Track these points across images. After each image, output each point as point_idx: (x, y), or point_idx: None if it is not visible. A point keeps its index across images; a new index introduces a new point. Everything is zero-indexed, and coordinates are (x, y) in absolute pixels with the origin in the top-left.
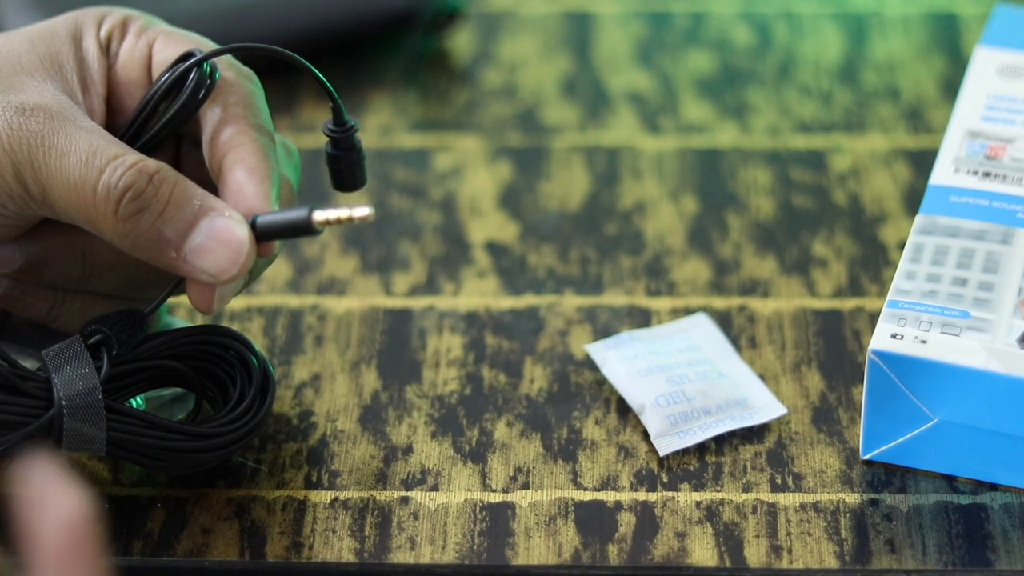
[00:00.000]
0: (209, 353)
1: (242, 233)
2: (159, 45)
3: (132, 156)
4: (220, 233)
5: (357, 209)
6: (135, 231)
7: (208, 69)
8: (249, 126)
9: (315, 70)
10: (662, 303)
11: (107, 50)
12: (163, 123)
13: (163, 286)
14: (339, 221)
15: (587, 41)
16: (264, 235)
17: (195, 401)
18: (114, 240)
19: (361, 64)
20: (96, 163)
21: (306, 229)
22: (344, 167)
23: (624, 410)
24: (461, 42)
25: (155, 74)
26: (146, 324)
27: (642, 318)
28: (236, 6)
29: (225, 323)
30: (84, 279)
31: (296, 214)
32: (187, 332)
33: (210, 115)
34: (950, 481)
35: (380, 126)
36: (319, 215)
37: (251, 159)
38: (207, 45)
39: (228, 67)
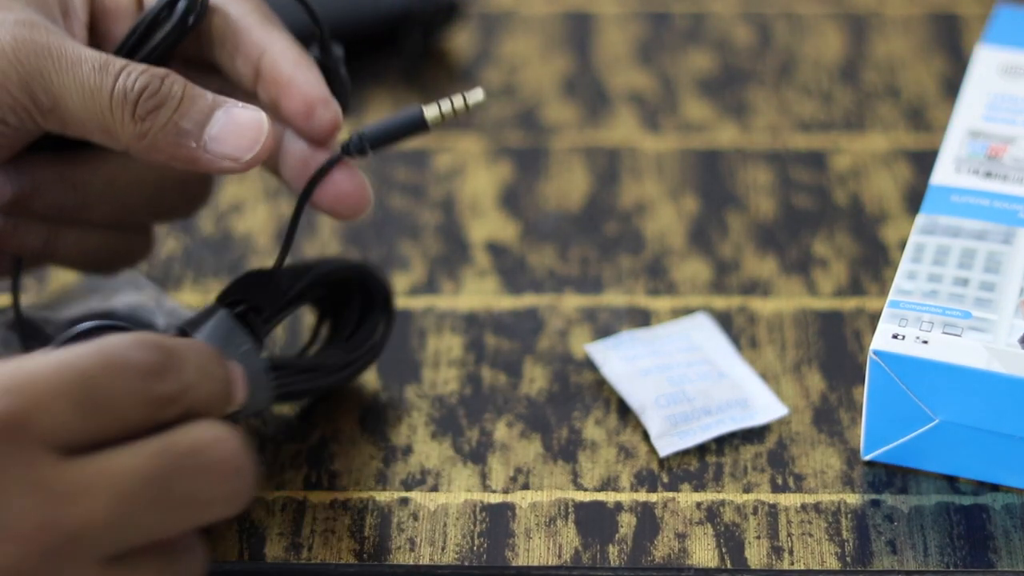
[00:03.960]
0: (336, 286)
1: (260, 115)
2: None
3: (141, 64)
4: (237, 117)
5: (471, 93)
6: (153, 128)
7: None
8: (272, 28)
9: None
10: (662, 303)
11: None
12: (152, 46)
13: (157, 212)
14: (454, 112)
15: (587, 41)
16: (377, 142)
17: (316, 328)
18: (130, 145)
19: (361, 64)
20: (111, 70)
21: (419, 126)
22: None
23: (624, 410)
24: (461, 42)
25: (147, 5)
26: (280, 281)
27: (642, 318)
28: None
29: None
30: (76, 209)
31: (406, 114)
32: (318, 274)
33: (225, 31)
34: (951, 482)
35: None
36: (430, 111)
37: (291, 53)
38: None
39: None
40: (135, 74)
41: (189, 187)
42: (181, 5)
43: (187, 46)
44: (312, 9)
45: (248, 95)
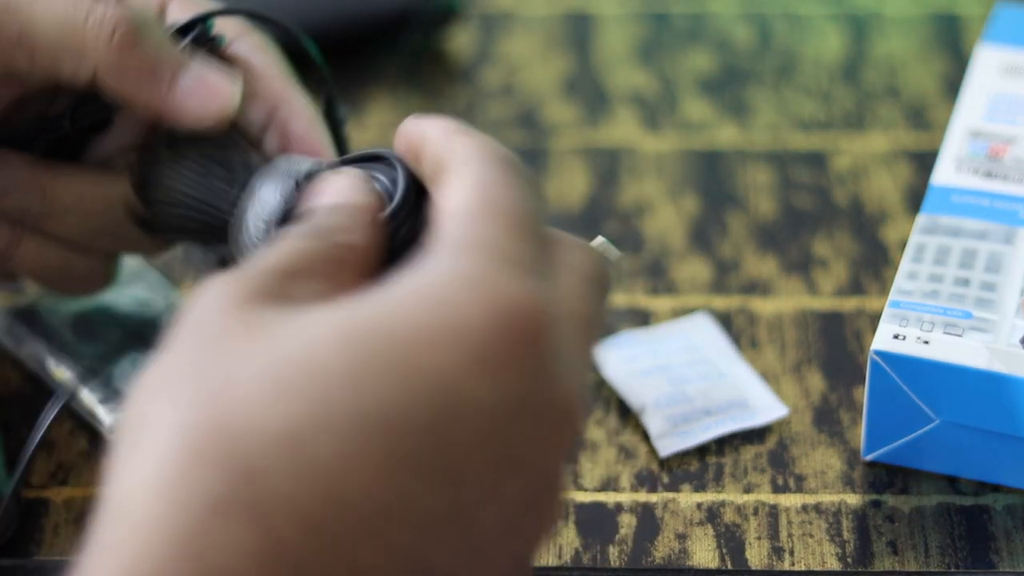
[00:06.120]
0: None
1: (232, 85)
2: (174, 7)
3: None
4: (209, 78)
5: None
6: (129, 60)
7: (210, 27)
8: (291, 82)
9: (317, 52)
10: (662, 303)
11: None
12: None
13: (119, 237)
14: None
15: (587, 41)
16: None
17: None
18: (102, 71)
19: (361, 64)
20: (83, 3)
21: None
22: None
23: (624, 411)
24: (461, 42)
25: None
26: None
27: (642, 318)
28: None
29: None
30: (42, 217)
31: None
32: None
33: (246, 75)
34: (952, 482)
35: (380, 125)
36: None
37: (307, 112)
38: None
39: (247, 35)
40: (112, 7)
41: None
42: (192, 36)
43: None
44: (327, 67)
45: (252, 141)
